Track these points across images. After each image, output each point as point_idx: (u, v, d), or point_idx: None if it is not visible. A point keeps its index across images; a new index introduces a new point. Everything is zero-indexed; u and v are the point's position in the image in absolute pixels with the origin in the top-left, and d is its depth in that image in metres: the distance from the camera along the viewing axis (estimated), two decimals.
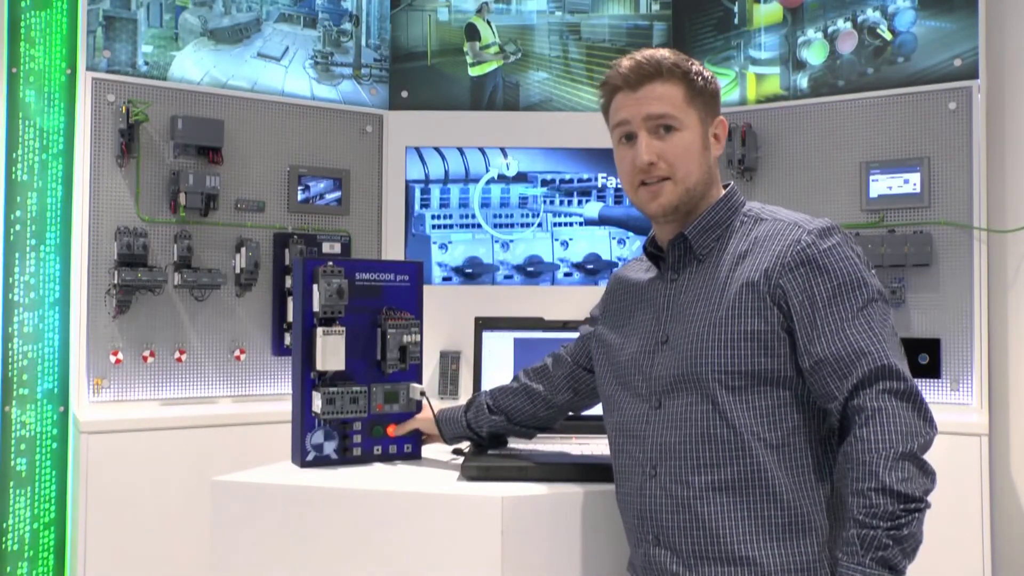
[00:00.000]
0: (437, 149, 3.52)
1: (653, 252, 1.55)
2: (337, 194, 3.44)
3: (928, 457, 1.27)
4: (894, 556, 1.21)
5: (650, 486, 1.41)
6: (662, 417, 1.42)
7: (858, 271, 1.34)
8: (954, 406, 2.91)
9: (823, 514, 1.35)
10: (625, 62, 1.46)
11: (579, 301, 3.45)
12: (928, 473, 1.26)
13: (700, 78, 1.45)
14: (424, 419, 1.85)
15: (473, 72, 3.63)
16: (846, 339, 1.30)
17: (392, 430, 1.83)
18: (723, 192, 1.50)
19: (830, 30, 3.26)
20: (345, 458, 1.78)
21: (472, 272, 3.51)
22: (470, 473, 1.61)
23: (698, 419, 1.38)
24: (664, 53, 1.45)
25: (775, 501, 1.34)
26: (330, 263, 1.76)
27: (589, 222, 3.50)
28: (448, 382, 3.40)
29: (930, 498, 1.26)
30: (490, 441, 1.81)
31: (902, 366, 1.30)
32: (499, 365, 1.95)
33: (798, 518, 1.34)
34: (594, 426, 1.86)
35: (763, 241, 1.39)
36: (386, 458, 1.82)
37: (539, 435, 1.83)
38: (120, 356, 2.99)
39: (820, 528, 1.35)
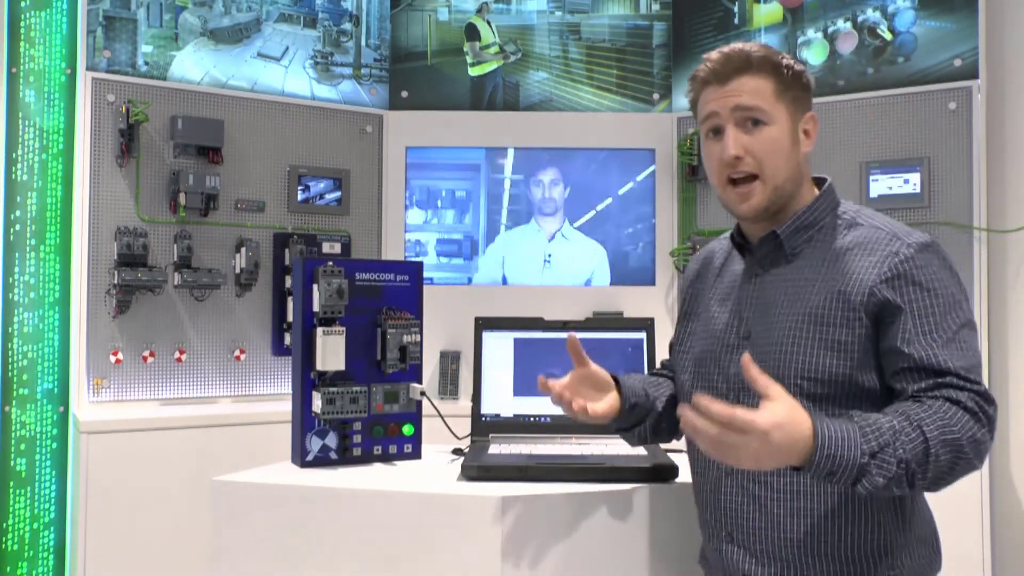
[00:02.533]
0: None
1: (740, 243, 1.50)
2: (337, 194, 3.44)
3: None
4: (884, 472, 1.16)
5: (727, 483, 1.40)
6: None
7: (954, 294, 1.30)
8: None
9: (901, 529, 1.35)
10: (714, 55, 1.42)
11: (579, 301, 3.45)
12: (949, 475, 1.21)
13: (790, 71, 1.41)
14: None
15: (473, 72, 3.63)
16: (939, 358, 1.26)
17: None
18: (818, 191, 1.45)
19: (830, 30, 3.26)
20: (345, 458, 1.78)
21: None
22: (470, 473, 1.60)
23: None
24: (754, 46, 1.42)
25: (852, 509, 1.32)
26: (330, 263, 1.76)
27: None
28: (448, 382, 3.40)
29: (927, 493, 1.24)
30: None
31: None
32: (499, 365, 1.94)
33: (875, 526, 1.33)
34: (594, 426, 1.86)
35: (858, 249, 1.35)
36: (386, 458, 1.82)
37: (538, 435, 1.83)
38: (120, 356, 2.99)
39: (896, 535, 1.34)
